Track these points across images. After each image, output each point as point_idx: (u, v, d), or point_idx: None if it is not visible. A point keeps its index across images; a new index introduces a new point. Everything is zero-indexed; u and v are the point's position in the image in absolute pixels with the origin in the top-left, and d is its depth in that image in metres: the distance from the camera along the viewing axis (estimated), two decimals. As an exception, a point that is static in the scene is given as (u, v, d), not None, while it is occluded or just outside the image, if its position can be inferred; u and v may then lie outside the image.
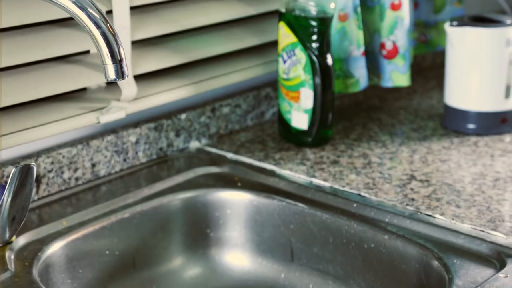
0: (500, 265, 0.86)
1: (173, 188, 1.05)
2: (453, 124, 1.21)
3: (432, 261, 0.89)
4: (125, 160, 1.09)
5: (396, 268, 0.94)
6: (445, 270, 0.86)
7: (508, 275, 0.84)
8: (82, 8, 0.78)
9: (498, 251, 0.89)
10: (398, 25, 1.20)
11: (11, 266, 0.87)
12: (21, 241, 0.91)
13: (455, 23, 1.18)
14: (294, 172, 1.08)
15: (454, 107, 1.21)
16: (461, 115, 1.20)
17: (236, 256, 1.06)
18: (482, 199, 0.99)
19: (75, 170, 1.04)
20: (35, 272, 0.86)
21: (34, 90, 0.97)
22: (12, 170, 0.82)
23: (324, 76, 1.13)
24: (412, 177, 1.05)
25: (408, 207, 0.98)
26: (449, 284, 0.84)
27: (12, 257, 0.88)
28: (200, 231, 1.05)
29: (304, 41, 1.12)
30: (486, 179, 1.05)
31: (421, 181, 1.04)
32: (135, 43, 1.09)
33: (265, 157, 1.13)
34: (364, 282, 0.97)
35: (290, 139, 1.18)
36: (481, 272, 0.85)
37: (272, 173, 1.09)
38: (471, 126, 1.19)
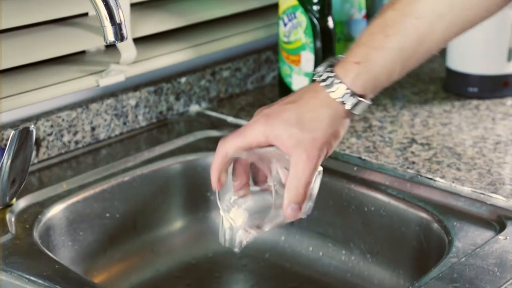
0: (500, 228, 0.86)
1: (173, 151, 1.05)
2: (455, 87, 1.21)
3: (432, 223, 0.89)
4: (125, 123, 1.09)
5: (396, 231, 0.94)
6: (445, 232, 0.87)
7: (507, 237, 0.84)
8: (80, -31, 0.78)
9: (498, 214, 0.89)
10: (399, -12, 1.19)
11: (12, 228, 0.87)
12: (21, 203, 0.91)
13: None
14: (294, 136, 1.07)
15: (455, 70, 1.20)
16: (463, 78, 1.19)
17: (236, 219, 1.06)
18: (482, 162, 0.99)
19: (75, 133, 1.04)
20: (35, 234, 0.87)
21: (33, 52, 0.97)
22: (11, 132, 0.82)
23: (325, 39, 1.12)
24: (413, 141, 1.05)
25: (409, 170, 0.98)
26: (449, 246, 0.84)
27: (13, 219, 0.89)
28: (200, 194, 1.05)
29: (305, 3, 1.11)
30: (487, 142, 1.05)
31: (421, 144, 1.04)
32: (134, 5, 1.08)
33: (265, 121, 1.12)
34: (364, 245, 0.97)
35: (290, 102, 1.17)
36: (480, 234, 0.85)
37: (272, 137, 1.08)
38: (472, 89, 1.19)
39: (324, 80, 0.77)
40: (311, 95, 0.77)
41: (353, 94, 0.76)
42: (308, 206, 0.78)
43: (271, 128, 0.77)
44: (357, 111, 0.77)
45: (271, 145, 0.77)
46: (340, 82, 0.76)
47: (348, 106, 0.76)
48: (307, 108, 0.76)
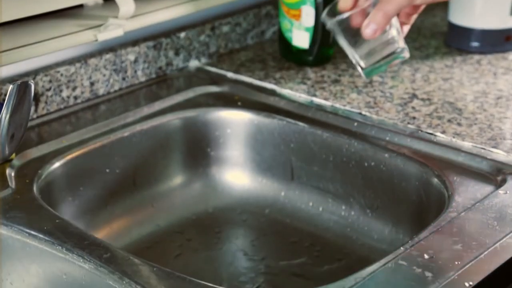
0: (500, 182, 0.86)
1: (173, 107, 1.05)
2: (456, 42, 1.20)
3: (432, 178, 0.89)
4: (124, 79, 1.09)
5: (396, 186, 0.94)
6: (445, 187, 0.87)
7: (508, 192, 0.84)
8: None
9: (498, 168, 0.89)
10: None
11: (12, 183, 0.87)
12: (21, 159, 0.91)
13: None
14: (294, 91, 1.07)
15: (458, 24, 1.19)
16: (465, 33, 1.18)
17: (237, 175, 1.06)
18: (483, 117, 0.99)
19: (74, 88, 1.03)
20: (35, 189, 0.87)
21: (31, 6, 0.96)
22: (9, 87, 0.82)
23: (326, -7, 1.11)
24: (414, 96, 1.05)
25: (409, 126, 0.97)
26: (449, 201, 0.84)
27: (13, 174, 0.89)
28: (200, 150, 1.05)
29: (305, -43, 1.10)
30: (488, 97, 1.04)
31: (422, 99, 1.04)
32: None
33: (265, 76, 1.12)
34: (363, 200, 0.98)
35: (290, 58, 1.16)
36: (480, 189, 0.85)
37: (272, 92, 1.08)
38: (474, 44, 1.18)
39: None
40: None
41: None
42: (391, 36, 0.86)
43: None
44: None
45: None
46: None
47: None
48: None
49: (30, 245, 0.78)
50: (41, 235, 0.78)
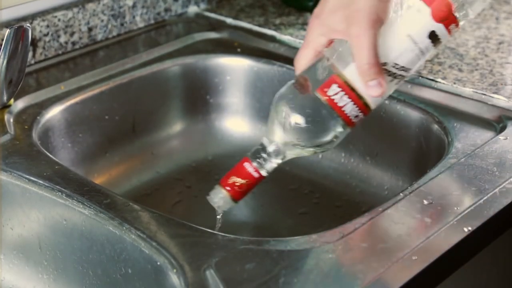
0: (500, 128, 0.86)
1: (171, 53, 1.04)
2: (458, -12, 1.18)
3: (432, 125, 0.89)
4: (122, 24, 1.07)
5: (396, 132, 0.94)
6: (445, 133, 0.86)
7: (508, 137, 0.84)
8: None
9: (499, 114, 0.88)
10: None
11: (11, 129, 0.87)
12: (19, 104, 0.91)
13: None
14: (294, 38, 1.06)
15: (460, -30, 1.17)
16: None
17: (236, 122, 1.06)
18: (485, 62, 0.98)
19: (72, 34, 1.02)
20: (34, 135, 0.87)
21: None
22: (6, 31, 0.81)
23: None
24: (415, 42, 1.04)
25: (410, 72, 0.97)
26: (448, 147, 0.84)
27: (11, 120, 0.88)
28: (199, 97, 1.05)
29: None
30: (490, 42, 1.03)
31: (423, 45, 1.03)
32: None
33: (265, 22, 1.11)
34: (363, 147, 0.98)
35: (290, 3, 1.15)
36: (481, 135, 0.85)
37: (272, 39, 1.07)
38: (476, -11, 1.17)
39: None
40: None
41: None
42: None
43: (324, 24, 0.73)
44: None
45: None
46: None
47: None
48: None
49: (30, 191, 0.78)
50: (40, 181, 0.78)
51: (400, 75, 0.73)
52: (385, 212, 0.72)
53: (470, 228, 0.70)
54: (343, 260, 0.67)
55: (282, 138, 0.73)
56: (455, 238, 0.69)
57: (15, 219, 0.81)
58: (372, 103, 0.73)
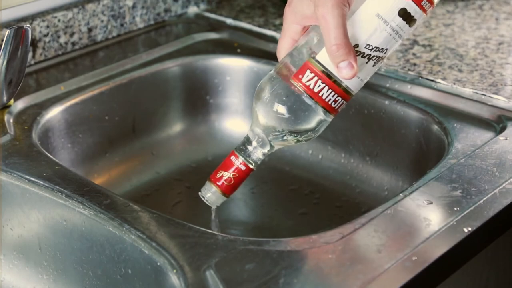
0: (500, 128, 0.86)
1: (171, 54, 1.04)
2: (458, -12, 1.18)
3: (432, 125, 0.89)
4: (122, 25, 1.07)
5: (396, 133, 0.94)
6: (445, 134, 0.87)
7: (507, 138, 0.84)
8: None
9: (499, 115, 0.88)
10: None
11: (11, 129, 0.87)
12: (19, 105, 0.91)
13: None
14: (294, 38, 1.06)
15: (459, -30, 1.18)
16: (467, -22, 1.17)
17: (236, 122, 1.06)
18: (485, 63, 0.98)
19: (72, 34, 1.02)
20: (34, 136, 0.87)
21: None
22: (6, 32, 0.81)
23: None
24: (415, 42, 1.04)
25: (410, 72, 0.97)
26: (448, 147, 0.84)
27: (11, 120, 0.88)
28: (199, 97, 1.05)
29: None
30: (490, 43, 1.03)
31: (423, 46, 1.03)
32: None
33: (265, 23, 1.11)
34: (363, 147, 0.98)
35: (290, 4, 1.15)
36: (481, 136, 0.85)
37: (272, 39, 1.07)
38: (476, -11, 1.17)
39: None
40: None
41: None
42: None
43: (295, 12, 0.72)
44: None
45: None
46: None
47: None
48: None
49: (30, 191, 0.78)
50: (40, 182, 0.78)
51: (375, 56, 0.71)
52: (385, 212, 0.72)
53: (470, 229, 0.70)
54: (343, 260, 0.67)
55: (264, 127, 0.73)
56: (455, 238, 0.69)
57: (15, 220, 0.80)
58: (350, 87, 0.71)
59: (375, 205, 0.75)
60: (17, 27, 0.81)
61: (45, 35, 0.99)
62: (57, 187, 0.77)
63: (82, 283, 0.77)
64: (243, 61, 1.04)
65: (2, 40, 0.84)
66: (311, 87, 0.70)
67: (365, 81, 0.73)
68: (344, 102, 0.72)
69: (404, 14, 0.70)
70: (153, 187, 0.99)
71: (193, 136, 1.05)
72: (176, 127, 1.05)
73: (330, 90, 0.71)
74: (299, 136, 0.73)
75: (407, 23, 0.70)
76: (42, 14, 0.99)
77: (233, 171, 0.74)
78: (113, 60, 1.02)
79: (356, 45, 0.70)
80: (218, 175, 0.75)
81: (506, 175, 0.77)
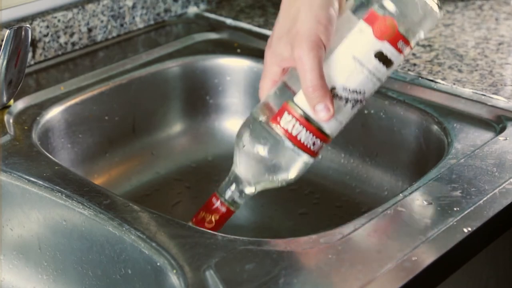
0: (500, 129, 0.86)
1: (171, 54, 1.04)
2: (458, -12, 1.18)
3: (432, 125, 0.89)
4: (122, 25, 1.07)
5: (396, 133, 0.94)
6: (445, 134, 0.86)
7: (507, 138, 0.84)
8: None
9: (498, 115, 0.88)
10: None
11: (10, 129, 0.87)
12: (19, 105, 0.91)
13: None
14: (294, 38, 1.06)
15: (459, -30, 1.18)
16: (467, -22, 1.17)
17: (236, 122, 1.06)
18: (484, 63, 0.98)
19: (71, 34, 1.02)
20: (34, 136, 0.87)
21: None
22: (6, 32, 0.81)
23: None
24: (414, 42, 1.04)
25: (410, 73, 0.97)
26: (448, 147, 0.84)
27: (11, 120, 0.88)
28: (199, 97, 1.05)
29: None
30: (489, 43, 1.03)
31: (423, 46, 1.03)
32: None
33: (265, 23, 1.11)
34: (363, 147, 0.98)
35: (290, 4, 1.15)
36: (480, 136, 0.85)
37: (272, 39, 1.07)
38: (476, -11, 1.17)
39: None
40: None
41: None
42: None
43: (274, 54, 0.73)
44: None
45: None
46: None
47: None
48: (287, 7, 0.71)
49: (29, 191, 0.78)
50: (40, 182, 0.78)
51: (354, 99, 0.71)
52: (384, 212, 0.72)
53: (470, 229, 0.70)
54: (343, 260, 0.67)
55: (245, 169, 0.73)
56: (455, 238, 0.69)
57: (15, 220, 0.80)
58: (328, 129, 0.72)
59: (375, 205, 0.75)
60: (17, 27, 0.81)
61: (45, 35, 0.99)
62: (57, 187, 0.77)
63: (82, 283, 0.77)
64: (243, 61, 1.04)
65: (2, 40, 0.84)
66: (289, 130, 0.70)
67: (344, 123, 0.72)
68: (324, 144, 0.72)
69: (381, 56, 0.70)
70: (153, 187, 0.99)
71: (193, 136, 1.05)
72: (176, 127, 1.05)
73: (308, 133, 0.70)
74: (279, 178, 0.73)
75: (384, 65, 0.70)
76: (42, 14, 0.99)
77: (214, 213, 0.75)
78: (113, 60, 1.02)
79: (333, 88, 0.70)
80: (200, 216, 0.75)
81: (506, 175, 0.77)
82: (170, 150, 1.03)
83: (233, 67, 1.04)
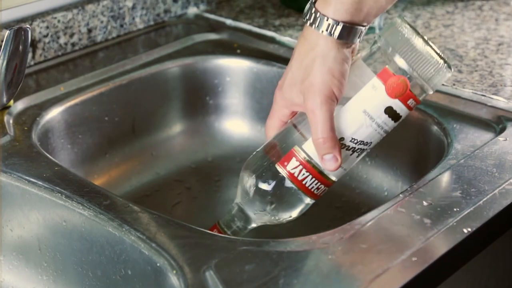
0: (500, 129, 0.86)
1: (171, 54, 1.04)
2: (458, -12, 1.19)
3: (432, 126, 0.89)
4: (122, 26, 1.07)
5: (395, 133, 0.94)
6: (444, 134, 0.86)
7: (507, 138, 0.84)
8: None
9: (498, 115, 0.88)
10: None
11: (10, 130, 0.87)
12: (19, 106, 0.91)
13: None
14: (294, 39, 1.06)
15: (459, -29, 1.18)
16: (466, -21, 1.17)
17: (236, 123, 1.06)
18: (484, 63, 0.98)
19: (71, 35, 1.02)
20: (34, 136, 0.87)
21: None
22: (6, 32, 0.81)
23: None
24: (414, 43, 1.04)
25: (409, 73, 0.97)
26: (448, 148, 0.84)
27: (11, 121, 0.88)
28: (199, 98, 1.05)
29: None
30: (489, 43, 1.03)
31: (423, 46, 1.03)
32: None
33: (264, 24, 1.11)
34: (363, 148, 0.98)
35: (290, 4, 1.15)
36: (480, 136, 0.85)
37: (272, 40, 1.07)
38: (476, -10, 1.17)
39: (308, 19, 0.73)
40: (302, 43, 0.74)
41: (337, 22, 0.71)
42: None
43: (284, 97, 0.75)
44: (349, 38, 0.72)
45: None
46: (322, 15, 0.72)
47: (336, 36, 0.71)
48: (301, 56, 0.73)
49: (29, 192, 0.78)
50: (40, 182, 0.78)
51: (359, 149, 0.74)
52: (384, 213, 0.72)
53: (469, 229, 0.70)
54: (343, 261, 0.67)
55: (248, 204, 0.76)
56: (454, 239, 0.69)
57: (14, 221, 0.80)
58: (334, 176, 0.75)
59: (374, 206, 0.75)
60: (17, 27, 0.81)
61: (45, 36, 0.99)
62: (57, 188, 0.77)
63: (82, 284, 0.77)
64: (243, 62, 1.04)
65: (2, 41, 0.84)
66: (295, 175, 0.73)
67: (348, 169, 0.75)
68: (327, 188, 0.75)
69: (390, 112, 0.73)
70: (153, 188, 0.99)
71: (193, 136, 1.05)
72: (176, 127, 1.05)
73: (313, 179, 0.74)
74: (280, 217, 0.77)
75: (392, 119, 0.74)
76: (42, 14, 0.99)
77: None
78: (113, 61, 1.02)
79: (342, 138, 0.73)
80: None
81: (506, 175, 0.77)
82: (170, 151, 1.03)
83: (233, 67, 1.04)
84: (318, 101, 0.71)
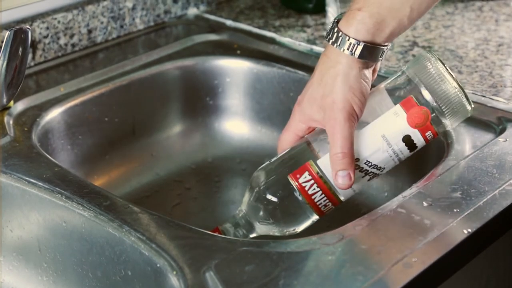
0: (500, 130, 0.86)
1: (171, 55, 1.04)
2: (458, -11, 1.19)
3: (432, 126, 0.89)
4: (122, 26, 1.07)
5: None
6: (444, 135, 0.86)
7: (507, 139, 0.84)
8: None
9: (498, 116, 0.88)
10: None
11: (10, 131, 0.87)
12: (19, 106, 0.91)
13: None
14: (294, 40, 1.06)
15: (459, -28, 1.18)
16: (466, -20, 1.17)
17: (236, 124, 1.06)
18: (484, 64, 0.98)
19: (71, 36, 1.02)
20: (34, 137, 0.87)
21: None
22: (6, 33, 0.81)
23: None
24: (415, 44, 1.04)
25: (409, 74, 0.97)
26: (448, 149, 0.84)
27: (11, 122, 0.88)
28: (199, 99, 1.05)
29: None
30: (489, 44, 1.03)
31: (423, 47, 1.03)
32: None
33: (265, 24, 1.11)
34: (363, 149, 0.98)
35: (290, 5, 1.15)
36: (480, 137, 0.85)
37: (272, 41, 1.07)
38: (476, -10, 1.17)
39: (330, 38, 0.74)
40: (323, 60, 0.75)
41: (359, 42, 0.73)
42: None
43: (303, 113, 0.76)
44: (371, 58, 0.73)
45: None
46: (344, 34, 0.73)
47: (357, 55, 0.73)
48: (322, 73, 0.75)
49: (29, 192, 0.78)
50: (40, 183, 0.78)
51: (372, 172, 0.75)
52: (384, 214, 0.72)
53: (469, 230, 0.70)
54: (343, 262, 0.67)
55: (253, 211, 0.76)
56: (455, 240, 0.69)
57: (14, 221, 0.80)
58: (342, 195, 0.76)
59: (375, 207, 0.75)
60: (17, 28, 0.81)
61: (45, 37, 0.99)
62: (57, 188, 0.77)
63: (81, 284, 0.77)
64: (243, 63, 1.04)
65: (2, 42, 0.84)
66: (306, 188, 0.74)
67: (356, 191, 0.76)
68: (333, 207, 0.76)
69: (408, 141, 0.74)
70: (153, 189, 0.99)
71: (192, 137, 1.05)
72: (176, 128, 1.05)
73: (323, 195, 0.75)
74: (283, 228, 0.77)
75: (408, 148, 0.75)
76: (42, 15, 0.99)
77: None
78: (113, 61, 1.02)
79: (357, 159, 0.74)
80: None
81: (506, 176, 0.77)
82: (170, 152, 1.03)
83: (233, 68, 1.04)
84: (341, 118, 0.72)
